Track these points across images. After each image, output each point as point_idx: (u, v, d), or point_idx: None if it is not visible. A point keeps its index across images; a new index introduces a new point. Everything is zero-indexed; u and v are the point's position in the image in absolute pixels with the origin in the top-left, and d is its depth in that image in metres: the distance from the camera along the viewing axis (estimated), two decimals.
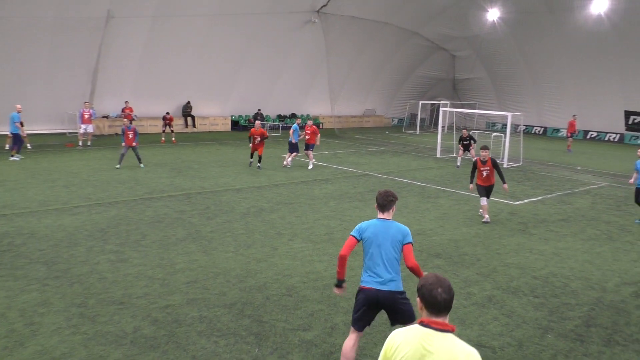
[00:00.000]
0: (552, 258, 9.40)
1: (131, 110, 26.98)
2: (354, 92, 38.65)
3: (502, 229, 11.26)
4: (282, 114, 35.90)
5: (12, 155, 18.30)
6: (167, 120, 25.62)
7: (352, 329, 5.05)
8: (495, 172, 11.80)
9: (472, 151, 19.73)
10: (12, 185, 13.83)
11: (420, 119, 39.17)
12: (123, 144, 17.22)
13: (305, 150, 18.99)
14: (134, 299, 6.88)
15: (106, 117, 27.90)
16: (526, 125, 37.61)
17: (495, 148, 24.07)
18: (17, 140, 18.51)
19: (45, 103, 24.80)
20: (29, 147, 20.95)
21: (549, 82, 37.14)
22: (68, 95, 25.25)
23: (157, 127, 28.59)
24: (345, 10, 31.86)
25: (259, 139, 17.80)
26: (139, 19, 25.10)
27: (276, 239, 9.82)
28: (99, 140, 24.74)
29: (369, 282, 4.90)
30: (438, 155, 23.43)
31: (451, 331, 2.78)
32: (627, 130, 34.68)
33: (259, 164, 17.94)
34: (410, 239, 4.98)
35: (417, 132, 36.47)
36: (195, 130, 30.91)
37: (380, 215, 5.06)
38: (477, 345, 5.97)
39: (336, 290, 5.22)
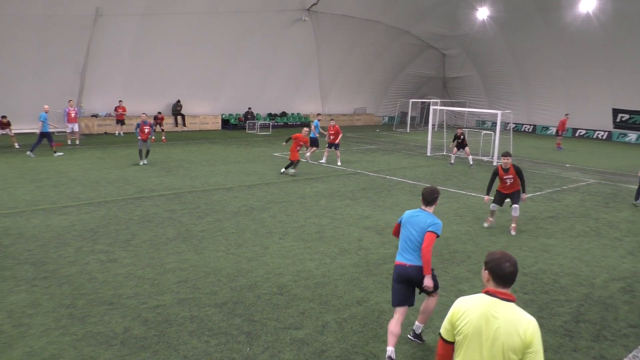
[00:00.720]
0: (541, 255, 9.48)
1: (124, 110, 26.82)
2: (344, 91, 38.69)
3: (492, 227, 11.32)
4: (272, 113, 35.84)
5: (55, 152, 19.30)
6: (158, 120, 25.47)
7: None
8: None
9: (467, 149, 19.83)
10: None
11: (411, 117, 39.31)
12: (139, 137, 17.74)
13: (329, 148, 19.86)
14: (124, 299, 6.84)
15: (95, 115, 27.68)
16: (516, 123, 37.88)
17: (485, 146, 24.21)
18: (49, 138, 19.19)
19: (33, 102, 24.52)
20: (17, 147, 20.74)
21: (538, 81, 37.44)
22: (56, 94, 25.00)
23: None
24: (335, 8, 31.87)
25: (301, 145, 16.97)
26: (127, 17, 24.92)
27: (267, 237, 9.80)
28: (88, 139, 24.56)
29: (400, 259, 5.62)
30: (428, 154, 23.52)
31: (513, 301, 3.08)
32: (615, 128, 35.05)
33: (294, 170, 16.93)
34: (434, 229, 5.45)
35: (408, 131, 36.57)
36: (185, 129, 30.78)
37: (423, 207, 5.69)
38: None
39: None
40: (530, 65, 37.14)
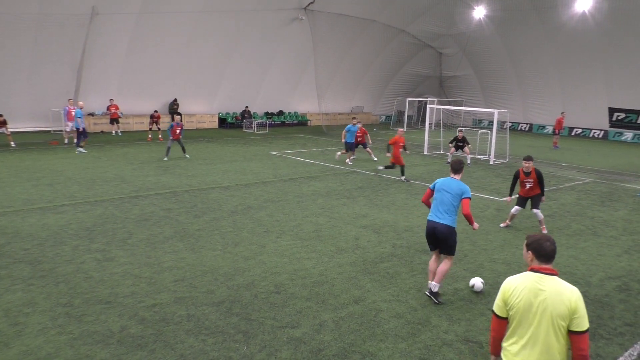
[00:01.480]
0: None
1: (117, 108, 26.73)
2: (341, 90, 38.68)
3: (489, 225, 11.35)
4: (269, 111, 35.81)
5: (80, 147, 19.93)
6: (154, 118, 25.42)
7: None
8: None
9: (467, 149, 19.87)
10: None
11: (408, 116, 39.31)
12: (170, 137, 18.78)
13: (364, 149, 19.98)
14: (120, 298, 6.82)
15: (91, 114, 27.60)
16: (512, 122, 37.94)
17: (482, 145, 24.26)
18: (82, 135, 19.99)
19: (29, 100, 24.50)
20: (13, 146, 20.68)
21: (535, 80, 37.51)
22: (52, 92, 24.95)
23: (144, 124, 28.42)
24: (332, 7, 31.84)
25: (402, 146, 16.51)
26: (124, 16, 24.84)
27: (264, 236, 9.80)
28: None
29: (431, 217, 6.98)
30: (425, 152, 23.55)
31: (556, 275, 3.52)
32: (611, 126, 35.14)
33: (403, 177, 16.41)
34: (468, 195, 6.84)
35: (405, 129, 36.56)
36: None
37: (452, 175, 7.03)
38: (464, 340, 6.03)
39: None
40: (527, 64, 37.21)
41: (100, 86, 26.83)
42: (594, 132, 35.90)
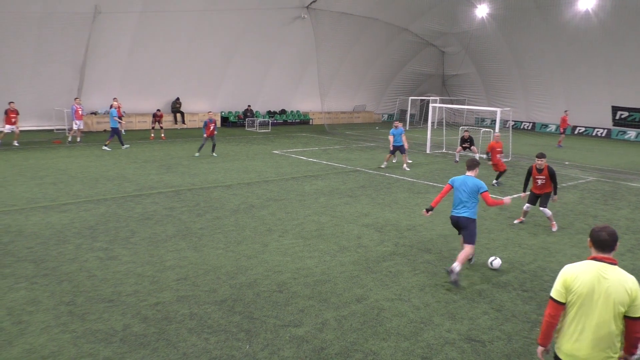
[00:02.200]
0: (540, 252, 9.49)
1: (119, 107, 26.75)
2: (343, 88, 38.65)
3: (491, 224, 11.34)
4: (272, 110, 35.82)
5: (106, 145, 20.48)
6: (157, 117, 25.45)
7: None
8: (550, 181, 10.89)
9: (474, 148, 19.85)
10: None
11: (410, 114, 39.28)
12: (205, 135, 19.28)
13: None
14: (123, 296, 6.84)
15: (94, 113, 27.66)
16: (515, 121, 37.85)
17: (484, 143, 24.21)
18: (114, 133, 20.47)
19: (32, 99, 24.54)
20: (16, 144, 20.73)
21: (537, 78, 37.39)
22: (55, 91, 25.00)
23: (146, 123, 28.45)
24: (334, 6, 31.82)
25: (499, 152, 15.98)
26: (126, 15, 24.87)
27: (266, 235, 9.81)
28: (87, 136, 24.54)
29: (453, 212, 7.92)
30: (428, 151, 23.52)
31: (616, 264, 3.77)
32: (614, 125, 35.03)
33: (496, 181, 15.88)
34: (485, 189, 7.69)
35: (407, 128, 36.55)
36: (184, 126, 30.76)
37: (467, 173, 7.91)
38: (467, 339, 6.03)
39: (424, 213, 8.27)
40: (529, 63, 37.10)
41: (103, 85, 26.87)
42: (597, 131, 35.80)
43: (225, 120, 32.99)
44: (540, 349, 4.06)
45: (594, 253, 3.84)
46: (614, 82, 33.58)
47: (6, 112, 20.85)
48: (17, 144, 20.73)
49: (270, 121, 33.83)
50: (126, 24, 25.38)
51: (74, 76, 25.13)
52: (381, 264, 8.46)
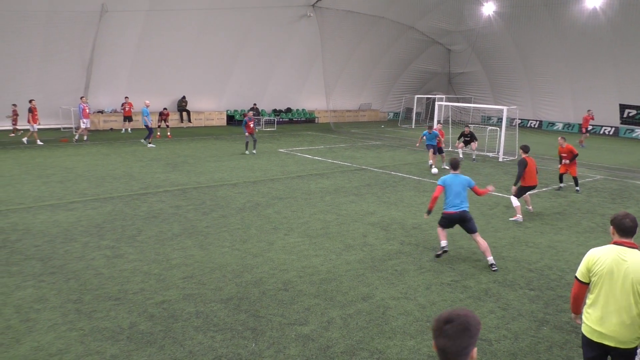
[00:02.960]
0: (547, 251, 9.44)
1: (131, 106, 26.88)
2: (349, 87, 38.60)
3: (498, 222, 11.30)
4: (277, 109, 35.82)
5: (150, 143, 21.50)
6: (163, 116, 25.50)
7: (439, 227, 8.72)
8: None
9: (474, 144, 19.79)
10: (6, 181, 13.76)
11: (416, 113, 39.16)
12: (246, 133, 19.95)
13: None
14: (130, 294, 6.87)
15: (101, 112, 27.76)
16: (521, 119, 37.64)
17: (491, 142, 24.12)
18: (150, 130, 21.60)
19: (39, 98, 24.61)
20: (25, 142, 20.85)
21: (544, 76, 37.16)
22: (62, 90, 25.09)
23: (152, 121, 28.47)
24: (340, 4, 31.76)
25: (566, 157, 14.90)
26: (133, 13, 24.93)
27: (272, 233, 9.82)
28: (94, 135, 24.64)
29: (452, 209, 8.36)
30: None
31: (637, 248, 4.03)
32: (622, 123, 34.78)
33: (577, 187, 15.08)
34: (473, 183, 8.56)
35: (413, 127, 36.46)
36: (190, 125, 30.82)
37: (452, 172, 8.54)
38: None
39: (425, 216, 8.92)
40: (536, 61, 36.87)
41: (109, 84, 26.97)
42: (605, 129, 35.55)
43: (231, 118, 33.02)
44: (573, 315, 4.52)
45: (615, 238, 4.11)
46: (621, 80, 33.33)
47: (30, 110, 21.07)
48: (25, 142, 20.84)
49: (275, 120, 33.83)
50: (132, 22, 25.45)
51: (81, 75, 25.23)
52: (387, 262, 8.45)
